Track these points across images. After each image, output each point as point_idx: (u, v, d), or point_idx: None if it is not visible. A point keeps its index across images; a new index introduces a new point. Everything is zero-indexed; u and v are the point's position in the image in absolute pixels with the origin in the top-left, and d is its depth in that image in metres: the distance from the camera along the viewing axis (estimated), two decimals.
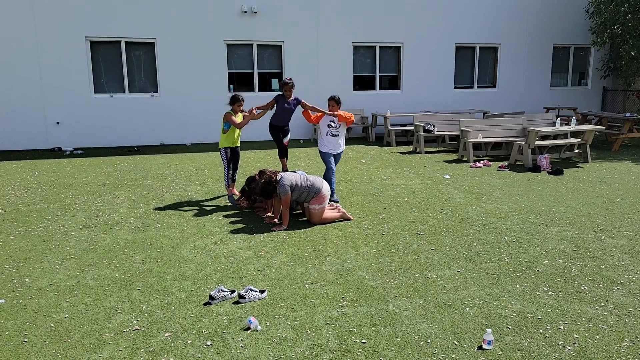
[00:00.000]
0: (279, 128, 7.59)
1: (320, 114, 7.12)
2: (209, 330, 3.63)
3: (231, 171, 7.34)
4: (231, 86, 13.35)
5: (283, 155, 7.69)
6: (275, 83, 13.72)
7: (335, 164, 7.14)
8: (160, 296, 4.18)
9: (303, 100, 7.42)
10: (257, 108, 7.35)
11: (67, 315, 3.86)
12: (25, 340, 3.51)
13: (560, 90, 16.30)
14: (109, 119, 12.52)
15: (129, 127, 12.68)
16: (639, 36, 13.88)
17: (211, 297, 4.05)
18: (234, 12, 12.89)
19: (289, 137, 7.74)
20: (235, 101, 7.19)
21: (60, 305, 4.02)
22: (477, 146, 11.29)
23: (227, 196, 7.52)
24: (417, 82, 14.71)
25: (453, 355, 3.30)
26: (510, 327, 3.66)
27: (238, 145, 7.40)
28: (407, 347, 3.40)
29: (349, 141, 13.44)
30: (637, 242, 5.46)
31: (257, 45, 13.31)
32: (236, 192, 7.44)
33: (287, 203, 5.94)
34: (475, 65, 15.31)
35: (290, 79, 7.38)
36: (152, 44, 12.59)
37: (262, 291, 4.16)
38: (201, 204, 7.11)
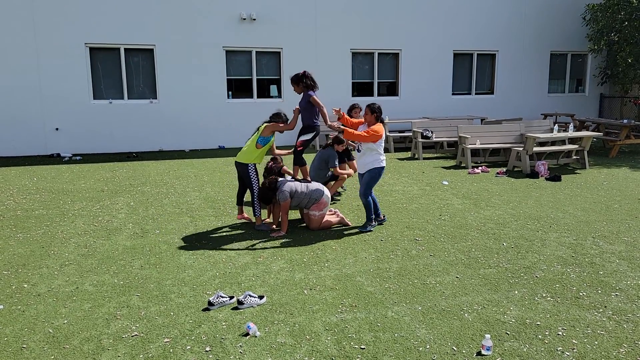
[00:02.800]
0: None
1: (351, 122, 6.24)
2: (208, 336, 3.63)
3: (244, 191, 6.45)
4: (230, 92, 13.39)
5: (296, 162, 6.53)
6: (274, 89, 13.76)
7: (365, 184, 6.02)
8: (159, 302, 4.18)
9: (313, 96, 6.14)
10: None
11: (65, 321, 3.86)
12: (24, 346, 3.50)
13: (558, 97, 16.38)
14: (108, 125, 12.53)
15: (127, 133, 12.69)
16: (635, 43, 13.97)
17: (210, 303, 4.05)
18: (232, 19, 12.94)
19: (304, 137, 6.30)
20: (278, 118, 6.15)
21: (59, 311, 4.01)
22: (475, 152, 11.33)
23: (255, 225, 6.31)
24: (416, 89, 14.76)
25: None
26: (509, 332, 3.67)
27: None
28: (406, 353, 3.40)
29: None
30: (635, 248, 5.47)
31: (256, 51, 13.36)
32: (246, 215, 6.47)
33: (286, 209, 5.94)
34: (473, 71, 15.38)
35: (305, 72, 6.24)
36: (151, 50, 12.63)
37: (260, 297, 4.17)
38: (200, 209, 7.12)
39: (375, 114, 5.92)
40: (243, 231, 6.12)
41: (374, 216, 6.18)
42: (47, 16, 11.73)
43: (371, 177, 6.02)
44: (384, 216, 6.44)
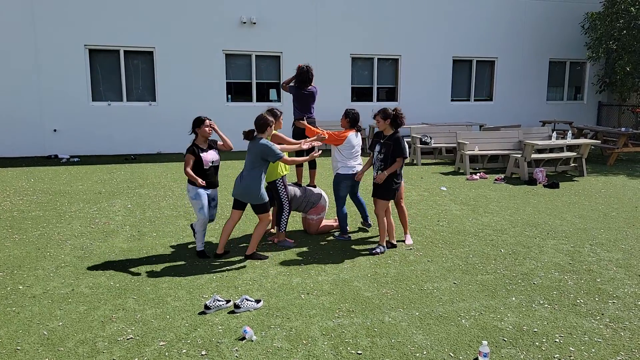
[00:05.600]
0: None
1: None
2: (204, 339, 3.61)
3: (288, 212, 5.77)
4: (229, 96, 13.39)
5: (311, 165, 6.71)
6: (273, 93, 13.77)
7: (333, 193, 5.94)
8: (155, 305, 4.16)
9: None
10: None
11: (60, 323, 3.83)
12: (18, 348, 3.48)
13: (556, 105, 16.42)
14: (107, 127, 12.52)
15: (126, 135, 12.67)
16: (634, 52, 14.03)
17: (206, 307, 4.03)
18: (233, 23, 12.96)
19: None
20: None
21: (54, 313, 3.99)
22: (473, 158, 11.34)
23: (277, 242, 5.78)
24: (415, 94, 14.78)
25: None
26: (506, 339, 3.65)
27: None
28: (403, 359, 3.39)
29: None
30: (632, 255, 5.47)
31: (256, 55, 13.37)
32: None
33: None
34: (472, 78, 15.41)
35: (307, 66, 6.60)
36: (151, 53, 12.63)
37: (257, 301, 4.15)
38: None
39: (347, 118, 5.77)
40: (240, 235, 6.10)
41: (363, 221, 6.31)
42: (47, 17, 11.73)
43: (333, 183, 5.86)
44: (371, 223, 6.35)
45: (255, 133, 5.15)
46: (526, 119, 15.98)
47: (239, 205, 5.21)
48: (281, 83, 6.83)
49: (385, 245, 5.52)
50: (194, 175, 5.07)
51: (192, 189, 5.14)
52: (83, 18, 11.94)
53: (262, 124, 5.10)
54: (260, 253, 5.38)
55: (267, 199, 5.14)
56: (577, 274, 4.93)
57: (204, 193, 5.18)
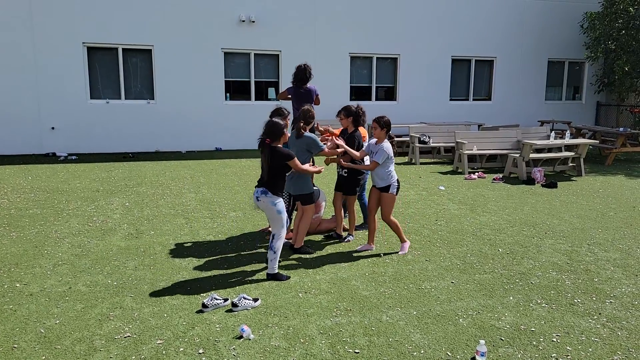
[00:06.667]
0: None
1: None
2: (201, 338, 3.61)
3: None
4: (228, 94, 13.37)
5: None
6: (272, 92, 13.75)
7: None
8: (152, 303, 4.15)
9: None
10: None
11: (57, 321, 3.83)
12: (15, 346, 3.47)
13: (555, 104, 16.43)
14: (105, 125, 12.49)
15: (124, 133, 12.64)
16: (632, 52, 14.04)
17: (204, 305, 4.02)
18: (231, 21, 12.94)
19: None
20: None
21: (51, 311, 3.98)
22: (472, 158, 11.34)
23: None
24: (413, 94, 14.78)
25: None
26: (503, 338, 3.66)
27: None
28: (401, 358, 3.39)
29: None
30: (629, 255, 5.48)
31: (255, 54, 13.35)
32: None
33: None
34: (470, 78, 15.41)
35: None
36: (150, 50, 12.60)
37: (255, 299, 4.14)
38: (195, 211, 7.09)
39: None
40: (238, 234, 6.10)
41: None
42: (45, 15, 11.69)
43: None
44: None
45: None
46: (524, 118, 15.99)
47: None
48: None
49: (353, 234, 5.90)
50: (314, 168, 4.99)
51: (281, 201, 4.50)
52: (81, 15, 11.91)
53: (311, 115, 5.49)
54: (308, 247, 5.50)
55: (312, 189, 5.37)
56: (575, 273, 4.94)
57: None
